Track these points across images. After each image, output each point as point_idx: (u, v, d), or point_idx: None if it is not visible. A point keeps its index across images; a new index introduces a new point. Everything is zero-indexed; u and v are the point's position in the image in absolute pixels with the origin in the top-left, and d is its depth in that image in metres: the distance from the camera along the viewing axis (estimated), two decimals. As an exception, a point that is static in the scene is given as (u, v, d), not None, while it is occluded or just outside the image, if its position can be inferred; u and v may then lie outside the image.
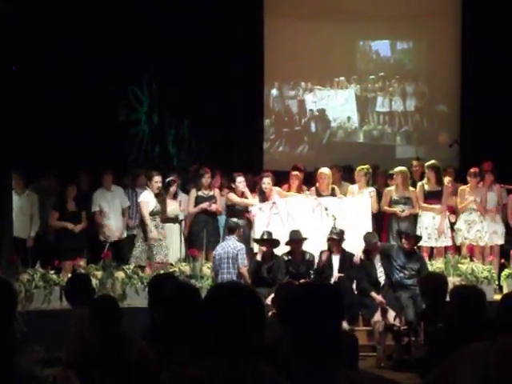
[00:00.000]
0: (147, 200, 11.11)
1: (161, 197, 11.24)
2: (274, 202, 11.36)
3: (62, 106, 13.82)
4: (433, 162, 11.90)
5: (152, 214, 11.08)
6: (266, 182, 11.68)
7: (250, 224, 11.58)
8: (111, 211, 11.84)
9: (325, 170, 11.83)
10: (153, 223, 11.05)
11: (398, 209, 11.58)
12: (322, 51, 15.45)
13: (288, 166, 12.89)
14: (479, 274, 10.96)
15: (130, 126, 14.82)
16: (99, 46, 14.02)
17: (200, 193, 11.67)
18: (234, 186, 11.63)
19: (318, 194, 11.64)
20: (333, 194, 11.68)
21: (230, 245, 10.46)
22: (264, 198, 11.61)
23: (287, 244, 10.71)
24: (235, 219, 10.94)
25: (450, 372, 3.49)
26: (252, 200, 11.61)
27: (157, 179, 11.21)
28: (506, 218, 12.02)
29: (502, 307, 3.60)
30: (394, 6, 15.57)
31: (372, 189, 11.86)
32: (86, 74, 13.94)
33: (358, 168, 11.98)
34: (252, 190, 11.89)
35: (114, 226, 11.82)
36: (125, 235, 11.98)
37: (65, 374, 4.84)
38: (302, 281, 9.47)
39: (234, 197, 11.60)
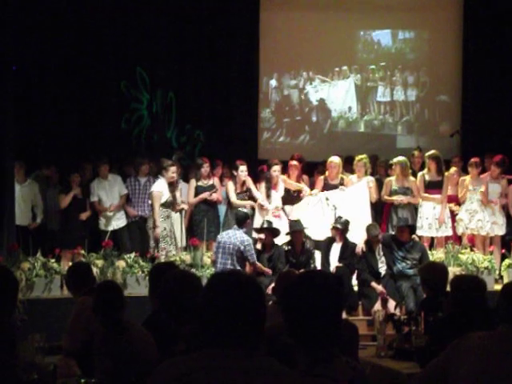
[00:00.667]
0: (161, 191, 11.04)
1: (173, 187, 11.21)
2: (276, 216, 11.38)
3: (63, 96, 13.82)
4: (433, 151, 11.89)
5: (165, 205, 11.06)
6: (277, 169, 11.67)
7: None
8: (109, 200, 11.83)
9: (335, 159, 11.80)
10: (165, 213, 11.04)
11: (395, 198, 11.59)
12: (322, 41, 15.42)
13: (289, 155, 12.89)
14: (480, 264, 10.98)
15: (132, 120, 14.81)
16: (100, 32, 14.03)
17: (199, 183, 11.66)
18: (235, 174, 11.61)
19: (327, 183, 11.65)
20: (341, 183, 11.67)
21: (238, 237, 10.32)
22: (271, 185, 11.61)
23: (287, 234, 10.73)
24: (245, 210, 10.90)
25: (450, 361, 3.50)
26: (251, 202, 11.55)
27: (173, 169, 11.17)
28: (507, 209, 12.03)
29: (502, 297, 3.61)
30: (396, -4, 15.56)
31: (371, 178, 11.86)
32: (88, 65, 13.93)
33: (357, 158, 11.97)
34: (254, 180, 11.87)
35: (113, 216, 11.84)
36: (125, 223, 11.97)
37: (65, 362, 4.85)
38: (301, 270, 9.51)
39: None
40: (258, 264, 10.34)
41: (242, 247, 10.24)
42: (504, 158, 11.92)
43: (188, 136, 14.88)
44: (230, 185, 11.59)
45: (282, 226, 11.07)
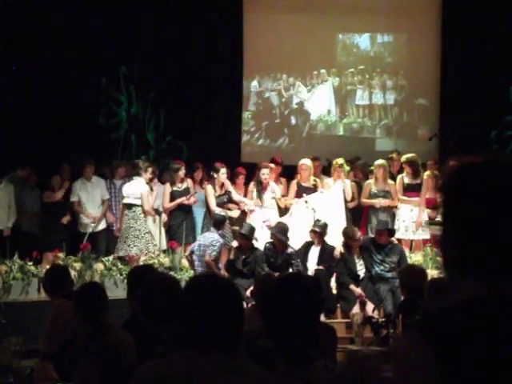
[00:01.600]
0: (148, 190, 11.11)
1: (150, 188, 11.32)
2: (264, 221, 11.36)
3: (40, 97, 13.74)
4: (408, 156, 11.93)
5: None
6: (266, 172, 11.64)
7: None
8: (89, 202, 11.77)
9: (306, 161, 11.85)
10: (132, 214, 11.02)
11: (376, 201, 11.63)
12: (302, 44, 15.45)
13: (268, 158, 12.91)
14: (457, 267, 11.01)
15: (111, 121, 14.75)
16: (76, 36, 13.97)
17: (174, 187, 11.54)
18: (215, 176, 11.54)
19: (299, 185, 11.67)
20: (314, 186, 11.70)
21: (209, 237, 10.48)
22: (261, 188, 11.60)
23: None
24: (223, 212, 10.89)
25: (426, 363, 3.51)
26: (231, 213, 11.51)
27: (151, 170, 11.27)
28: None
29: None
30: (375, 0, 15.61)
31: (347, 181, 11.89)
32: (61, 67, 13.85)
33: (334, 162, 12.02)
34: (232, 183, 11.86)
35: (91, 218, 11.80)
36: (103, 227, 11.91)
37: (42, 365, 4.83)
38: (277, 274, 9.54)
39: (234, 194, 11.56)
40: (210, 263, 10.36)
41: (211, 246, 10.34)
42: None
43: (168, 138, 14.85)
44: (209, 188, 11.51)
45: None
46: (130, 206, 11.06)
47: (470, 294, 1.70)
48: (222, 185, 11.59)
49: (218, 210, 11.20)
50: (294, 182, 11.84)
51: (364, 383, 3.20)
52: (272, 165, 12.12)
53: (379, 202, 11.61)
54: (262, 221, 11.32)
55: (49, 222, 11.43)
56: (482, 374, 1.63)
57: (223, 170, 11.50)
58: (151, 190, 11.37)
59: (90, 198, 11.78)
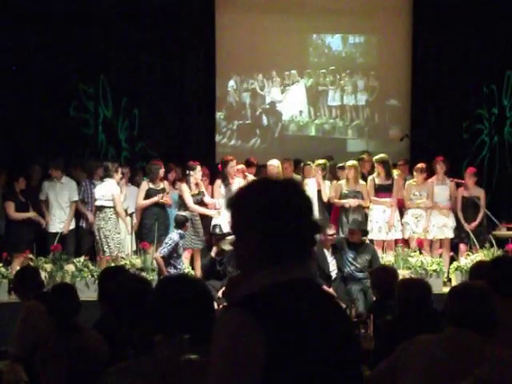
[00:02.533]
0: (119, 193, 11.17)
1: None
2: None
3: (13, 97, 13.64)
4: (381, 156, 12.02)
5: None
6: (233, 164, 11.72)
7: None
8: (55, 202, 11.68)
9: (273, 162, 11.92)
10: (103, 214, 11.01)
11: (345, 201, 11.67)
12: (274, 44, 15.45)
13: (240, 159, 12.89)
14: (428, 267, 11.09)
15: (81, 121, 14.67)
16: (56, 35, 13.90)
17: (151, 185, 11.57)
18: (191, 175, 11.45)
19: None
20: None
21: (168, 236, 10.60)
22: (228, 182, 11.60)
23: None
24: (184, 213, 10.88)
25: (398, 364, 3.53)
26: (211, 212, 11.48)
27: (120, 171, 11.36)
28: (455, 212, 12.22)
29: (449, 299, 3.65)
30: (347, 1, 15.64)
31: (326, 182, 11.95)
32: (35, 69, 13.77)
33: (315, 163, 12.06)
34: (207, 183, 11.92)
35: (57, 218, 11.69)
36: (72, 226, 11.81)
37: (12, 367, 4.79)
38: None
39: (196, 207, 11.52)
40: (159, 259, 10.37)
41: (164, 243, 10.47)
42: (444, 157, 12.24)
43: (140, 139, 14.81)
44: (184, 187, 11.45)
45: None
46: (100, 208, 11.09)
47: (276, 279, 2.20)
48: (197, 184, 11.57)
49: (195, 207, 11.22)
50: None
51: None
52: (242, 166, 12.20)
53: (348, 202, 11.65)
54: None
55: (13, 222, 11.31)
56: (296, 343, 2.12)
57: (199, 168, 11.50)
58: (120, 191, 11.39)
59: (58, 198, 11.67)
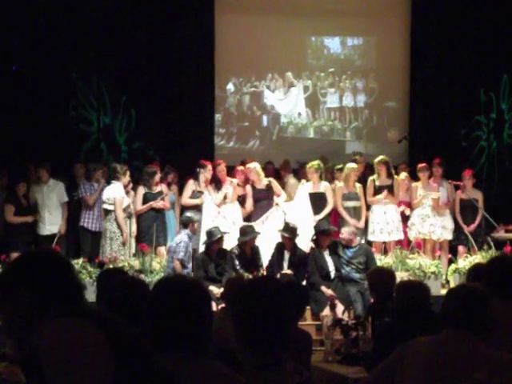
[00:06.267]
0: (123, 196, 11.16)
1: (127, 192, 11.44)
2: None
3: (11, 101, 13.65)
4: (382, 157, 12.07)
5: (125, 208, 11.16)
6: (222, 169, 11.72)
7: None
8: (45, 205, 11.66)
9: (250, 165, 11.95)
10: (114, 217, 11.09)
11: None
12: (273, 46, 15.47)
13: (238, 161, 12.92)
14: (427, 269, 11.08)
15: (80, 123, 14.67)
16: (48, 42, 13.88)
17: (148, 190, 11.54)
18: (201, 172, 11.53)
19: (254, 188, 11.73)
20: (268, 187, 11.74)
21: (177, 238, 10.57)
22: (219, 184, 11.62)
23: (239, 240, 10.70)
24: (189, 214, 10.87)
25: (396, 365, 3.53)
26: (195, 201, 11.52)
27: (128, 174, 11.41)
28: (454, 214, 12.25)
29: (446, 300, 3.66)
30: (345, 3, 15.67)
31: (325, 183, 11.94)
32: (32, 73, 13.77)
33: (309, 165, 12.03)
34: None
35: (46, 220, 11.66)
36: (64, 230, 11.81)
37: (10, 369, 4.78)
38: (246, 275, 9.58)
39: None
40: (177, 266, 10.33)
41: (174, 245, 10.40)
42: (441, 159, 12.26)
43: (138, 144, 14.81)
44: (191, 183, 11.57)
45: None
46: (106, 211, 11.21)
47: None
48: (205, 182, 11.62)
49: (187, 201, 11.36)
50: (248, 186, 11.87)
51: None
52: (241, 167, 12.20)
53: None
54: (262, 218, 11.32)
55: (14, 224, 11.33)
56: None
57: (209, 167, 11.58)
58: (127, 193, 11.38)
59: (46, 201, 11.66)
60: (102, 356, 2.20)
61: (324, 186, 11.86)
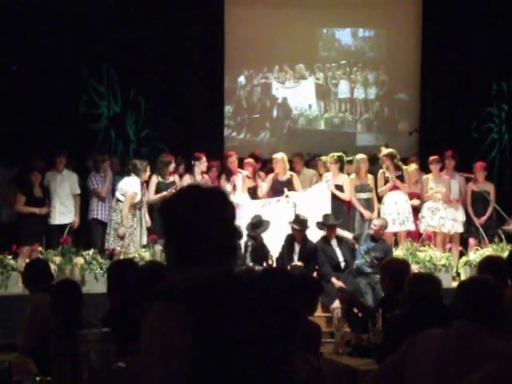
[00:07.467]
0: (136, 192, 11.11)
1: (143, 187, 11.35)
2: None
3: (21, 95, 13.65)
4: (389, 150, 12.04)
5: (135, 204, 11.12)
6: (233, 160, 11.84)
7: None
8: (56, 195, 11.64)
9: (277, 155, 11.92)
10: (132, 211, 11.08)
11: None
12: (283, 38, 15.45)
13: (249, 153, 12.92)
14: (437, 262, 11.07)
15: (92, 118, 14.69)
16: (57, 33, 13.88)
17: (161, 179, 11.59)
18: (196, 165, 11.58)
19: (275, 180, 11.73)
20: (289, 181, 11.72)
21: None
22: (229, 175, 11.71)
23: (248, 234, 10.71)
24: None
25: (406, 357, 3.53)
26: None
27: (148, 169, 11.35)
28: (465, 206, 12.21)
29: (458, 293, 3.65)
30: (356, -6, 15.64)
31: (344, 176, 11.94)
32: (42, 65, 13.76)
33: (330, 156, 12.03)
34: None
35: (57, 210, 11.66)
36: (72, 219, 11.79)
37: (21, 359, 4.79)
38: (257, 267, 9.59)
39: None
40: None
41: None
42: (453, 152, 12.23)
43: (149, 134, 14.82)
44: (186, 178, 11.64)
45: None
46: (117, 201, 11.20)
47: (199, 276, 2.39)
48: (202, 173, 11.65)
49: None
50: (270, 176, 11.90)
51: None
52: (250, 159, 12.28)
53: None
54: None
55: (25, 215, 11.34)
56: (218, 325, 2.33)
57: (204, 159, 11.63)
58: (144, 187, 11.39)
59: (58, 191, 11.64)
60: (183, 342, 2.29)
61: (343, 179, 11.83)
